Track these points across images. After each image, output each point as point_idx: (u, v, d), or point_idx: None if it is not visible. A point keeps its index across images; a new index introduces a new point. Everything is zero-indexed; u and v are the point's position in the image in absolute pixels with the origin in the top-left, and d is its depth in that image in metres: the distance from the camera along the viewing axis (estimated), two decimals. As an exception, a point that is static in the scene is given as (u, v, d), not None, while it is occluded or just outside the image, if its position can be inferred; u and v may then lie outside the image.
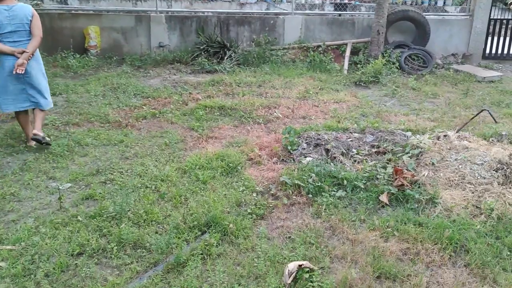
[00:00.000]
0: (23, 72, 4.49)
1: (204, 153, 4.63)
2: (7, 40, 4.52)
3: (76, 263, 2.90)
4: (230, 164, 4.34)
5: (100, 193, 3.81)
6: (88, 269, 2.84)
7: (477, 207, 3.61)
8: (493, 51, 10.35)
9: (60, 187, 3.75)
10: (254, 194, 3.84)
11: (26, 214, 3.48)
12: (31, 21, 4.63)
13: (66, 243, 3.10)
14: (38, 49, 4.79)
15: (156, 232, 3.26)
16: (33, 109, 4.89)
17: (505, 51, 10.40)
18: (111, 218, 3.39)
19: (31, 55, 4.60)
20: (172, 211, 3.52)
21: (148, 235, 3.20)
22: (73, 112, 5.98)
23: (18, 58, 4.48)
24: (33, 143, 4.76)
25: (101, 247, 3.06)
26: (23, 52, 4.52)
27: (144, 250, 3.05)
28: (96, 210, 3.50)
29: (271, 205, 3.67)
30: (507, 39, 10.37)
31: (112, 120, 5.69)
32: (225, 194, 3.81)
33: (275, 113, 6.07)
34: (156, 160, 4.52)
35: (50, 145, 4.71)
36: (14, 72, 4.45)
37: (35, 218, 3.41)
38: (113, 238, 3.14)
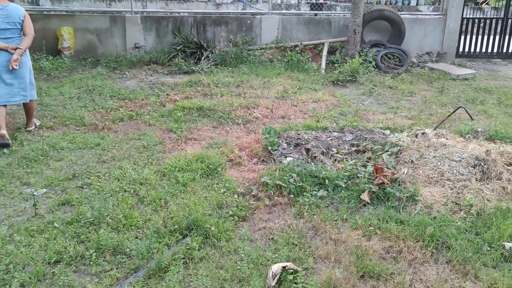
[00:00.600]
0: (17, 67, 4.93)
1: (183, 155, 4.56)
2: (0, 37, 4.91)
3: (53, 272, 2.80)
4: (210, 166, 4.28)
5: (77, 198, 3.70)
6: (66, 278, 2.75)
7: (456, 203, 3.65)
8: (466, 49, 10.56)
9: (35, 193, 3.64)
10: (235, 196, 3.80)
11: (0, 222, 3.36)
12: (23, 20, 5.06)
13: (42, 251, 3.00)
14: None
15: (136, 237, 3.18)
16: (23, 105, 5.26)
17: (478, 49, 10.62)
18: (89, 224, 3.30)
19: (24, 52, 5.01)
20: (152, 215, 3.45)
21: (128, 240, 3.12)
22: (47, 115, 5.83)
23: (11, 53, 4.90)
24: (5, 136, 4.80)
25: (79, 254, 2.97)
26: (17, 48, 4.94)
27: (124, 256, 2.97)
28: (73, 216, 3.40)
29: (252, 207, 3.63)
30: (479, 37, 10.59)
31: (88, 123, 5.57)
32: (205, 197, 3.75)
33: (254, 113, 6.04)
34: (134, 163, 4.43)
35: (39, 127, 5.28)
36: (10, 67, 4.88)
37: (9, 226, 3.29)
38: (92, 244, 3.05)
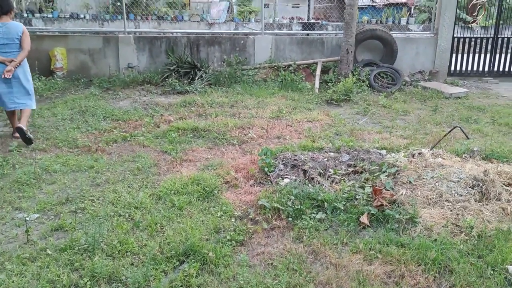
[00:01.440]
0: (9, 77, 5.42)
1: (178, 177, 4.49)
2: (0, 51, 5.48)
3: (46, 302, 2.71)
4: (206, 188, 4.22)
5: (70, 223, 3.61)
6: (60, 308, 2.66)
7: (456, 225, 3.61)
8: (458, 68, 10.67)
9: (27, 218, 3.55)
10: (233, 219, 3.73)
11: (-10, 250, 3.27)
12: (21, 37, 5.61)
13: (35, 280, 2.90)
14: (26, 59, 5.75)
15: (132, 264, 3.09)
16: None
17: (469, 68, 10.73)
18: (83, 251, 3.21)
19: (18, 64, 5.53)
20: (148, 241, 3.37)
21: (124, 267, 3.03)
22: (39, 137, 5.75)
23: (7, 65, 5.42)
24: (17, 134, 5.46)
25: (73, 282, 2.87)
26: (12, 61, 5.48)
27: (120, 284, 2.88)
28: (67, 242, 3.30)
29: (250, 231, 3.56)
30: (470, 56, 10.70)
31: (81, 145, 5.49)
32: (202, 220, 3.68)
33: (249, 134, 6.00)
34: (129, 186, 4.35)
35: (33, 142, 5.47)
36: (2, 76, 5.38)
37: (0, 253, 3.19)
38: (86, 272, 2.95)
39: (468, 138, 5.24)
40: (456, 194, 3.98)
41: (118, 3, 17.83)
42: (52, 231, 3.53)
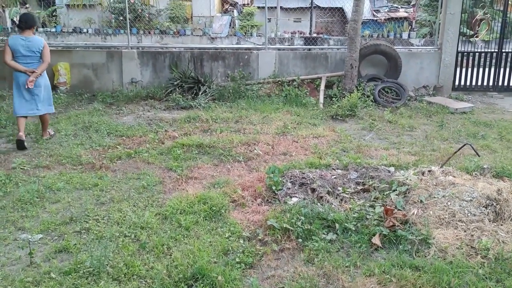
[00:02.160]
0: (32, 87, 6.07)
1: (184, 196, 4.40)
2: (22, 62, 6.10)
3: (50, 329, 2.61)
4: (213, 208, 4.13)
5: (75, 244, 3.52)
6: (64, 336, 2.56)
7: (471, 247, 3.51)
8: (462, 82, 10.61)
9: (31, 239, 3.47)
10: (241, 240, 3.63)
11: (-7, 273, 3.17)
12: (42, 50, 6.21)
13: (39, 305, 2.81)
14: (45, 70, 6.36)
15: (139, 288, 3.00)
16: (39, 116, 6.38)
17: (473, 83, 10.68)
18: (88, 274, 3.11)
19: (39, 74, 6.15)
20: (155, 263, 3.27)
21: (130, 292, 2.94)
22: (42, 153, 5.68)
23: (29, 75, 6.04)
24: (23, 137, 5.97)
25: (78, 308, 2.78)
26: (33, 71, 6.08)
27: (126, 310, 2.79)
28: (71, 265, 3.21)
29: (260, 252, 3.47)
30: (474, 70, 10.66)
31: (85, 162, 5.42)
32: (210, 242, 3.58)
33: (255, 150, 5.93)
34: (134, 205, 4.26)
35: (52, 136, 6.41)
36: (26, 87, 6.03)
37: (2, 277, 3.10)
38: (91, 297, 2.86)
39: (478, 156, 5.16)
40: (469, 214, 3.89)
41: (121, 18, 17.93)
42: (56, 253, 3.44)
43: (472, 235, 3.64)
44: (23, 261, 3.32)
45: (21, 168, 5.15)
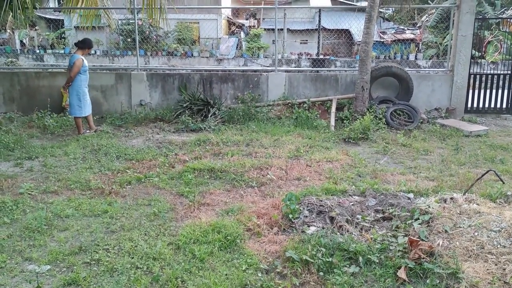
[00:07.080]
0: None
1: (198, 224, 4.23)
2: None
3: None
4: (228, 237, 3.95)
5: (84, 277, 3.34)
6: None
7: (505, 282, 3.30)
8: (475, 105, 10.47)
9: (38, 271, 3.30)
10: (259, 273, 3.44)
11: (-2, 308, 3.00)
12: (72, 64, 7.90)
13: None
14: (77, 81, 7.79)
15: (153, 327, 2.81)
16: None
17: (486, 105, 10.53)
18: (99, 311, 2.93)
19: (67, 84, 7.86)
20: (169, 299, 3.09)
21: (144, 331, 2.75)
22: (51, 178, 5.54)
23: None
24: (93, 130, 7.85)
25: None
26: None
27: None
28: (81, 300, 3.04)
29: (279, 287, 3.28)
30: (487, 92, 10.51)
31: (94, 187, 5.27)
32: (226, 275, 3.40)
33: (268, 175, 5.76)
34: (145, 234, 4.09)
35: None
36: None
37: (8, 314, 2.93)
38: (103, 337, 2.68)
39: (503, 183, 4.97)
40: (499, 246, 3.68)
41: (129, 39, 18.02)
42: (65, 286, 3.26)
43: (504, 269, 3.44)
44: (30, 295, 3.14)
45: (29, 194, 5.01)
